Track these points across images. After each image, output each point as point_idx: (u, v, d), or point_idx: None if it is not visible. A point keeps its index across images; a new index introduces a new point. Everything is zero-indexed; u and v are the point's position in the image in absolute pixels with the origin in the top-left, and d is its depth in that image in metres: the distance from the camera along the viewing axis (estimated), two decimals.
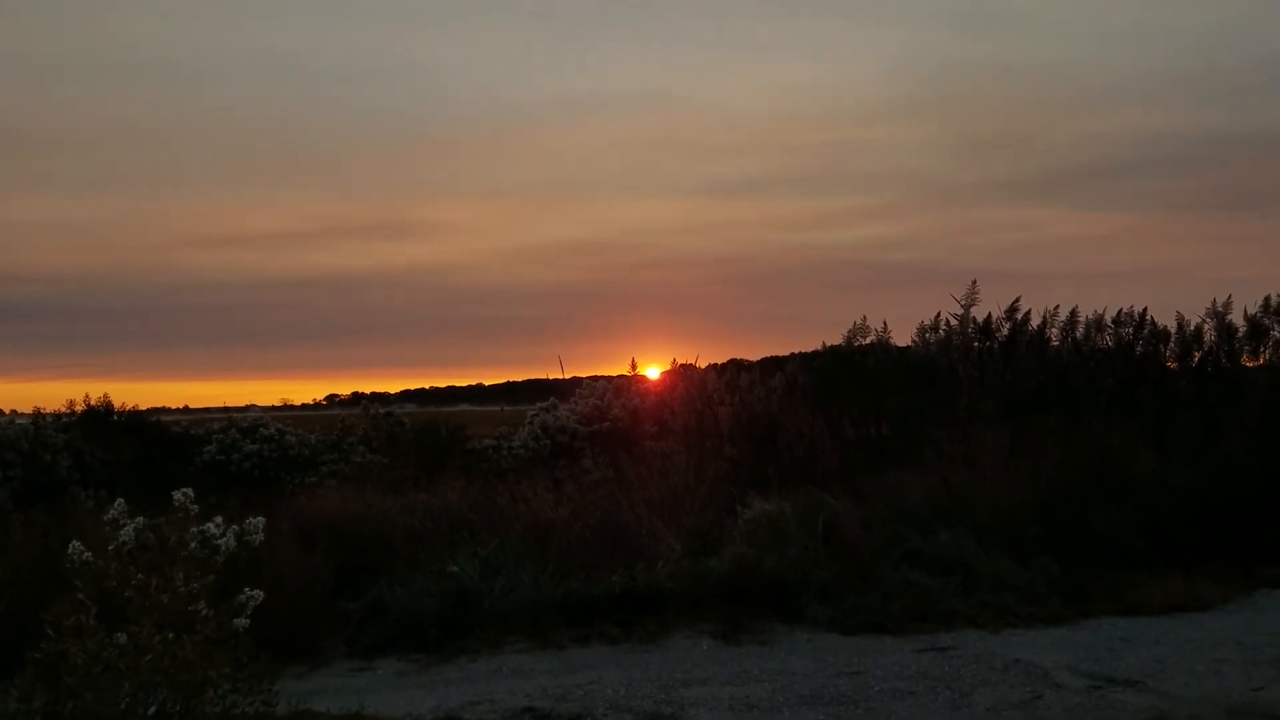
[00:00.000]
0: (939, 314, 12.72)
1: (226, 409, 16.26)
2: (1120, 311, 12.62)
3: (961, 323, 12.55)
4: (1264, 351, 12.22)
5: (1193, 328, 12.37)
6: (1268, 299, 12.29)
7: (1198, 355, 12.35)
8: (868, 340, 12.88)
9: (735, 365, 14.54)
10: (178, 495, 3.73)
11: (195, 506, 3.77)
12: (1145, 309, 12.54)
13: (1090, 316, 12.61)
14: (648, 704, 5.46)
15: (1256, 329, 12.19)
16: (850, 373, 12.63)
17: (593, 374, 14.92)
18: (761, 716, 5.24)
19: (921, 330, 12.82)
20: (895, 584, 7.55)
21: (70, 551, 3.61)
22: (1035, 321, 12.57)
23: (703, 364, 14.32)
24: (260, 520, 3.87)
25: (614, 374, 14.64)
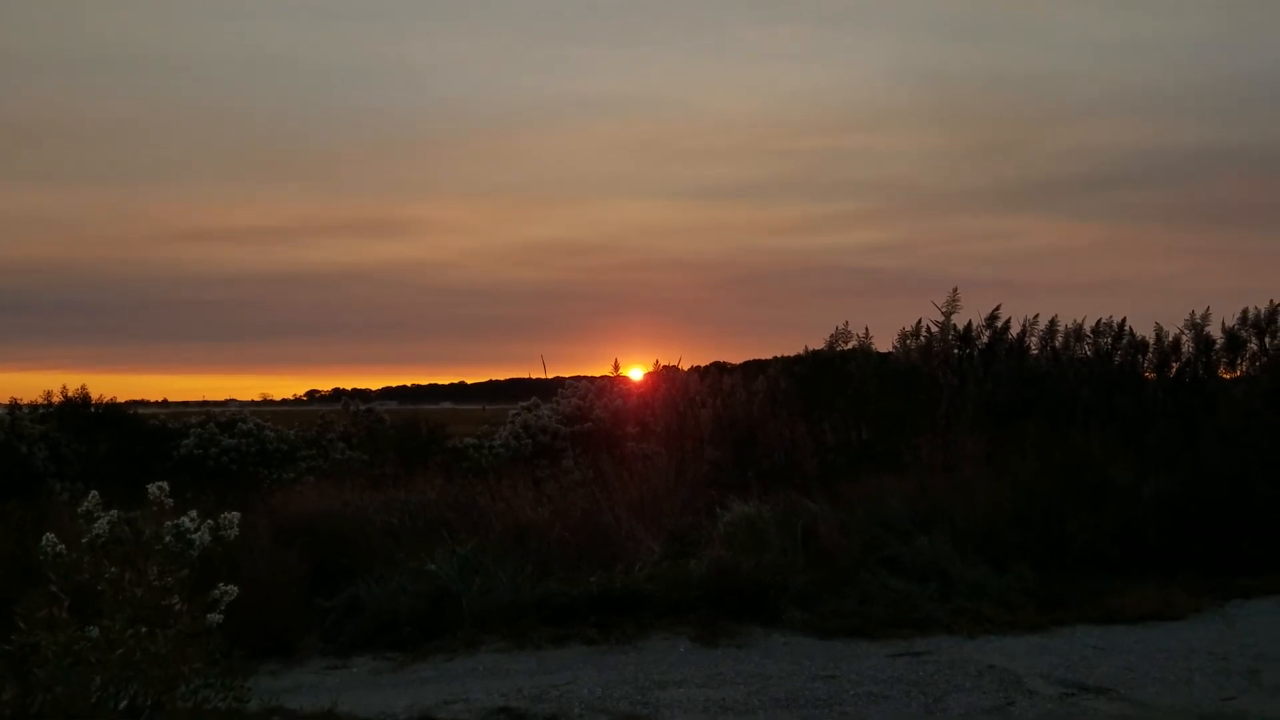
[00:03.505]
0: (920, 320, 12.79)
1: (205, 403, 16.20)
2: (1099, 321, 12.74)
3: (943, 330, 12.61)
4: (1241, 363, 12.34)
5: (1171, 339, 12.50)
6: (1245, 311, 12.42)
7: (1175, 366, 12.47)
8: (850, 345, 12.93)
9: (718, 368, 14.53)
10: (153, 489, 3.70)
11: (170, 500, 3.75)
12: (1124, 319, 12.66)
13: (1070, 326, 12.72)
14: (623, 705, 5.46)
15: (1234, 341, 12.30)
16: (832, 377, 12.67)
17: (575, 374, 14.89)
18: (737, 719, 5.25)
19: (903, 336, 12.89)
20: (872, 589, 7.57)
21: (44, 544, 3.58)
22: (1015, 330, 12.66)
23: (685, 366, 14.31)
24: (235, 515, 3.84)
25: (597, 375, 14.62)
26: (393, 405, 18.98)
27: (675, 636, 6.91)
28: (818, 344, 13.10)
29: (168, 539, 3.63)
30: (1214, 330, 12.40)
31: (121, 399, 13.47)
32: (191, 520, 3.71)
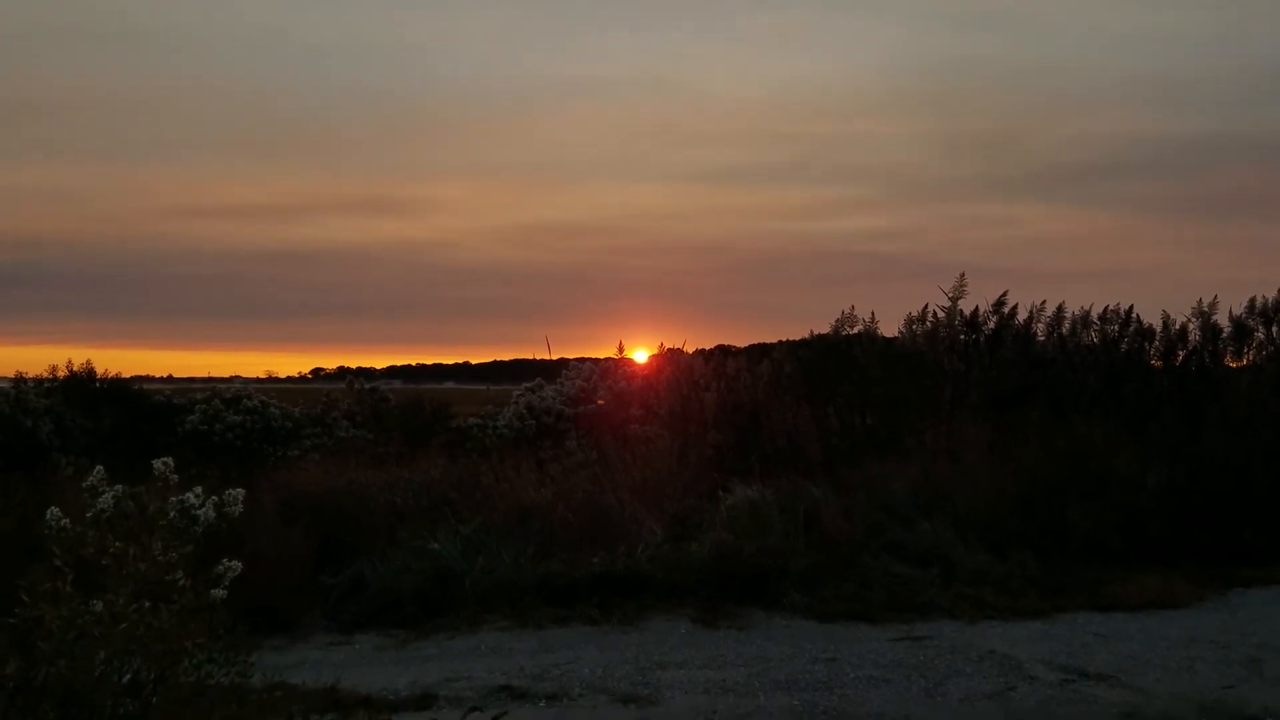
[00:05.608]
0: (926, 306, 12.74)
1: (210, 379, 16.19)
2: (1106, 309, 12.68)
3: (949, 315, 12.55)
4: (1247, 352, 12.29)
5: (1178, 327, 12.43)
6: (1253, 300, 12.36)
7: (1182, 354, 12.41)
8: (855, 330, 12.88)
9: (722, 351, 14.50)
10: (158, 464, 3.70)
11: (175, 476, 3.74)
12: (1131, 307, 12.59)
13: (1076, 313, 12.66)
14: (624, 685, 5.48)
15: (1241, 330, 12.25)
16: (837, 362, 12.63)
17: (580, 356, 14.88)
18: (737, 700, 5.26)
19: (909, 322, 12.82)
20: (874, 573, 7.59)
21: (48, 517, 3.58)
22: (1022, 316, 12.60)
23: (690, 349, 14.29)
24: (240, 492, 3.83)
25: (601, 356, 14.61)
26: (397, 384, 19.00)
27: (676, 618, 6.93)
28: (823, 328, 13.07)
29: (172, 514, 3.63)
30: (1221, 319, 12.36)
31: (126, 374, 13.50)
32: (196, 496, 3.71)
